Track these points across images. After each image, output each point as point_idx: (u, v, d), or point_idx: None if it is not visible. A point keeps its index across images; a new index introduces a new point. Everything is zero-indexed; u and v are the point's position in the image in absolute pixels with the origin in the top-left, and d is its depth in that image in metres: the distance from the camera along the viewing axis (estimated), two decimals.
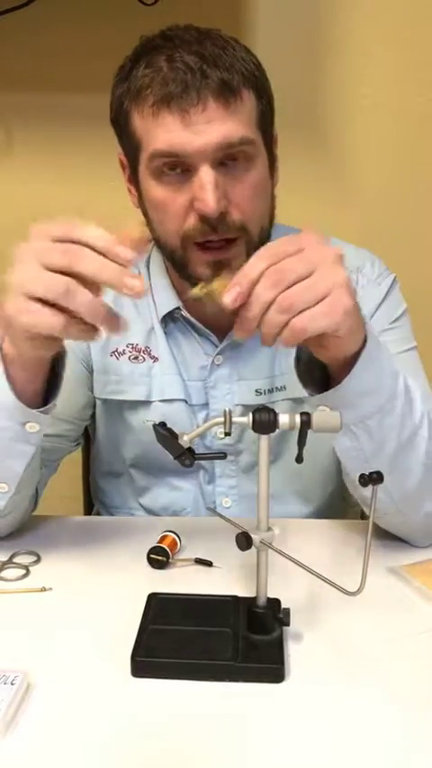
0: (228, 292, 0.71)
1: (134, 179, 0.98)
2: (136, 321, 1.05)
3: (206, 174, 0.88)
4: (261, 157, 0.93)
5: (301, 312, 0.70)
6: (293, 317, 0.70)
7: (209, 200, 0.87)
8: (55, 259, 0.71)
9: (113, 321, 0.74)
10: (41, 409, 0.84)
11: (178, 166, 0.89)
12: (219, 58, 0.88)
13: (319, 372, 0.82)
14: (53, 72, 1.57)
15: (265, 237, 0.96)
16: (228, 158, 0.89)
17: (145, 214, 0.98)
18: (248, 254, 0.91)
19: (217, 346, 1.04)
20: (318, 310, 0.71)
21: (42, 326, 0.73)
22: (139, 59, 0.91)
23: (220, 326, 1.03)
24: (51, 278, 0.71)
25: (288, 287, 0.70)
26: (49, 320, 0.72)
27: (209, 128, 0.87)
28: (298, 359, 0.84)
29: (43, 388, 0.85)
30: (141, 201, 0.98)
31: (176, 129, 0.87)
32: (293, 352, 0.84)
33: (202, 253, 0.92)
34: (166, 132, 0.88)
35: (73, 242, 0.71)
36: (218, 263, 0.92)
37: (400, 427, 0.83)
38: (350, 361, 0.78)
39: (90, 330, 0.74)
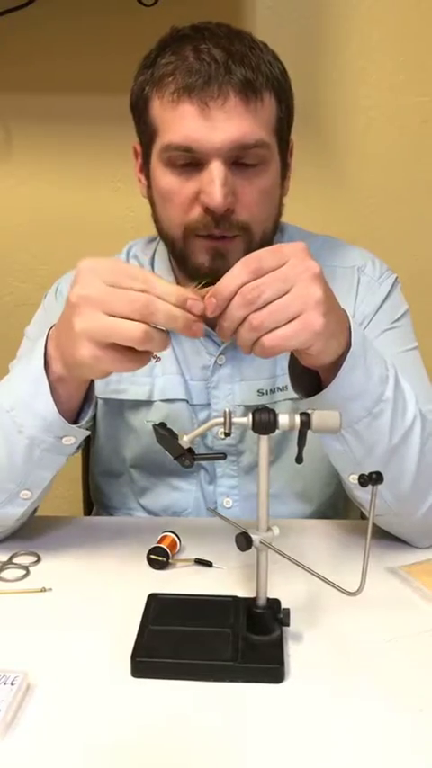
0: (206, 302, 0.73)
1: (145, 167, 0.98)
2: None
3: (217, 169, 0.88)
4: (274, 163, 0.94)
5: (271, 331, 0.71)
6: (263, 335, 0.72)
7: (216, 194, 0.87)
8: (125, 310, 0.72)
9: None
10: (80, 424, 0.85)
11: (191, 161, 0.90)
12: (245, 57, 0.89)
13: (312, 378, 0.83)
14: (53, 72, 1.57)
15: (267, 242, 0.96)
16: (241, 159, 0.90)
17: (152, 204, 0.99)
18: (247, 254, 0.91)
19: (219, 346, 1.04)
20: (287, 331, 0.72)
21: (124, 368, 0.76)
22: (165, 48, 0.92)
23: None
24: (128, 328, 0.72)
25: (261, 306, 0.71)
26: (130, 365, 0.76)
27: (226, 124, 0.87)
28: (292, 363, 0.84)
29: (81, 403, 0.86)
30: (150, 191, 0.98)
31: (195, 121, 0.88)
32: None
33: (200, 240, 0.92)
34: (183, 123, 0.88)
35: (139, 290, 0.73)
36: (216, 253, 0.92)
37: (390, 430, 0.83)
38: (336, 366, 0.78)
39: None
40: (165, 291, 0.73)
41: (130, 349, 0.74)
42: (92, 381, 0.86)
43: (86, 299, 0.74)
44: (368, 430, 0.82)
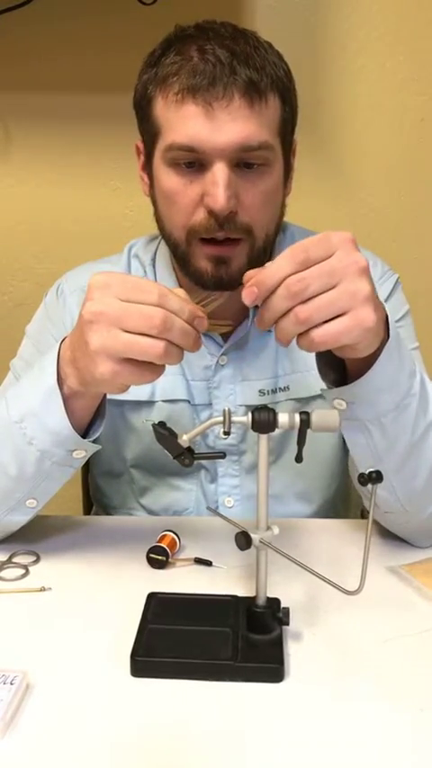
0: (246, 291, 0.71)
1: (148, 166, 0.98)
2: None
3: (220, 171, 0.87)
4: (277, 164, 0.93)
5: (321, 325, 0.70)
6: (312, 328, 0.70)
7: (219, 197, 0.87)
8: (142, 326, 0.72)
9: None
10: (91, 438, 0.85)
11: (194, 161, 0.89)
12: (250, 58, 0.88)
13: (339, 365, 0.82)
14: (51, 72, 1.56)
15: (269, 244, 0.96)
16: (244, 160, 0.89)
17: (154, 203, 0.99)
18: (249, 259, 0.92)
19: (221, 346, 1.04)
20: (339, 326, 0.70)
21: (142, 381, 0.76)
22: (170, 47, 0.91)
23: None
24: (147, 344, 0.72)
25: (307, 299, 0.69)
26: (148, 377, 0.76)
27: (231, 125, 0.87)
28: (319, 352, 0.83)
29: (92, 416, 0.86)
30: (152, 190, 0.98)
31: (199, 121, 0.87)
32: (296, 352, 0.84)
33: (204, 246, 0.92)
34: (187, 124, 0.88)
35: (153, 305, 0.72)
36: (219, 259, 0.92)
37: (413, 425, 0.82)
38: (369, 358, 0.77)
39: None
40: (178, 308, 0.72)
41: (147, 362, 0.74)
42: (104, 396, 0.86)
43: (101, 316, 0.73)
44: (394, 423, 0.81)
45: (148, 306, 0.72)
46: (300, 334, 0.71)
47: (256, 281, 0.70)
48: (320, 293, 0.69)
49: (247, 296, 0.71)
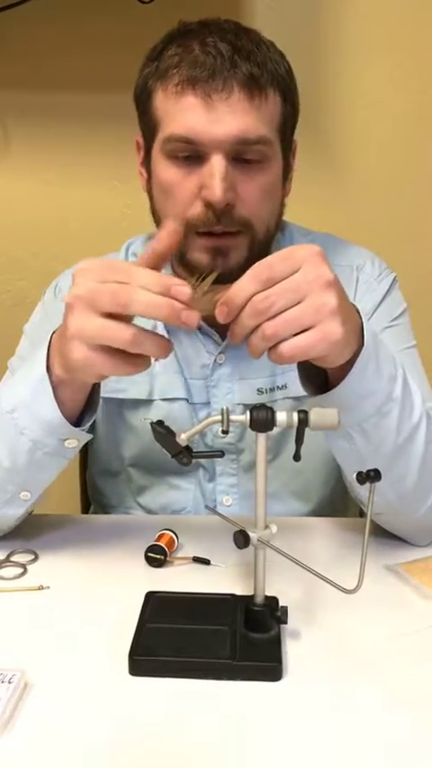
0: (217, 309, 0.72)
1: (147, 160, 0.98)
2: (137, 318, 1.04)
3: (217, 163, 0.88)
4: (276, 161, 0.93)
5: (288, 339, 0.71)
6: (280, 343, 0.71)
7: (216, 188, 0.87)
8: (106, 304, 0.71)
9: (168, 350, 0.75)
10: (83, 427, 0.85)
11: (192, 153, 0.89)
12: (252, 53, 0.89)
13: (320, 373, 0.82)
14: (49, 70, 1.57)
15: (270, 239, 0.96)
16: (243, 154, 0.89)
17: (151, 198, 0.99)
18: (249, 252, 0.91)
19: (219, 344, 1.04)
20: (306, 340, 0.71)
21: (116, 372, 0.75)
22: (172, 41, 0.92)
23: (222, 325, 1.02)
24: (115, 329, 0.72)
25: (273, 316, 0.70)
26: (124, 368, 0.74)
27: (229, 117, 0.87)
28: (300, 361, 0.84)
29: (83, 406, 0.86)
30: (149, 184, 0.98)
31: (197, 113, 0.87)
32: None
33: (201, 239, 0.92)
34: (186, 115, 0.88)
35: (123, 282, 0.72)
36: (216, 251, 0.92)
37: (397, 429, 0.82)
38: (347, 365, 0.78)
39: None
40: (147, 281, 0.71)
41: (124, 352, 0.73)
42: (96, 386, 0.85)
43: (78, 299, 0.73)
44: (376, 429, 0.81)
45: (119, 283, 0.71)
46: (269, 348, 0.72)
47: (225, 299, 0.71)
48: (286, 309, 0.70)
49: (219, 314, 0.72)
